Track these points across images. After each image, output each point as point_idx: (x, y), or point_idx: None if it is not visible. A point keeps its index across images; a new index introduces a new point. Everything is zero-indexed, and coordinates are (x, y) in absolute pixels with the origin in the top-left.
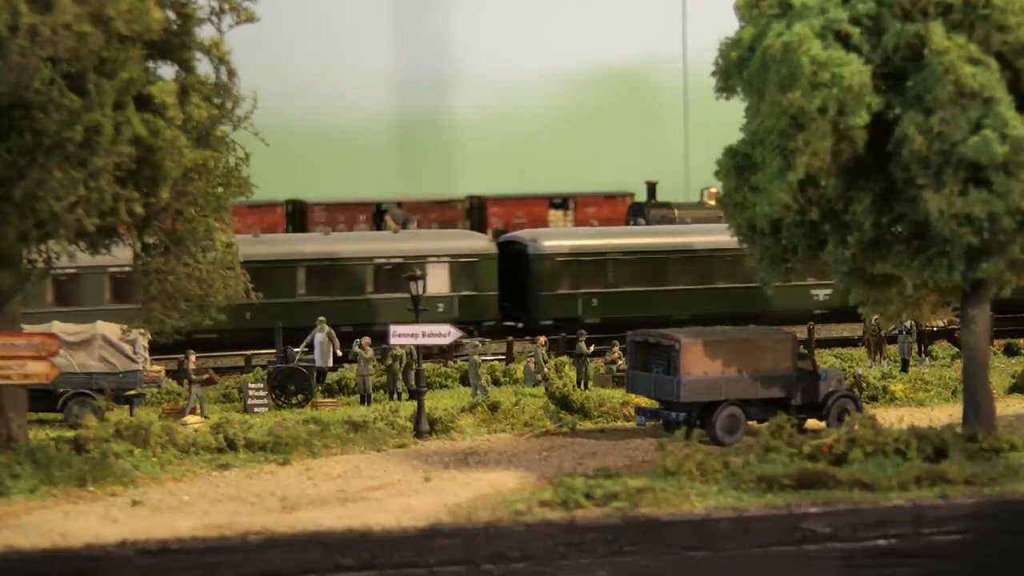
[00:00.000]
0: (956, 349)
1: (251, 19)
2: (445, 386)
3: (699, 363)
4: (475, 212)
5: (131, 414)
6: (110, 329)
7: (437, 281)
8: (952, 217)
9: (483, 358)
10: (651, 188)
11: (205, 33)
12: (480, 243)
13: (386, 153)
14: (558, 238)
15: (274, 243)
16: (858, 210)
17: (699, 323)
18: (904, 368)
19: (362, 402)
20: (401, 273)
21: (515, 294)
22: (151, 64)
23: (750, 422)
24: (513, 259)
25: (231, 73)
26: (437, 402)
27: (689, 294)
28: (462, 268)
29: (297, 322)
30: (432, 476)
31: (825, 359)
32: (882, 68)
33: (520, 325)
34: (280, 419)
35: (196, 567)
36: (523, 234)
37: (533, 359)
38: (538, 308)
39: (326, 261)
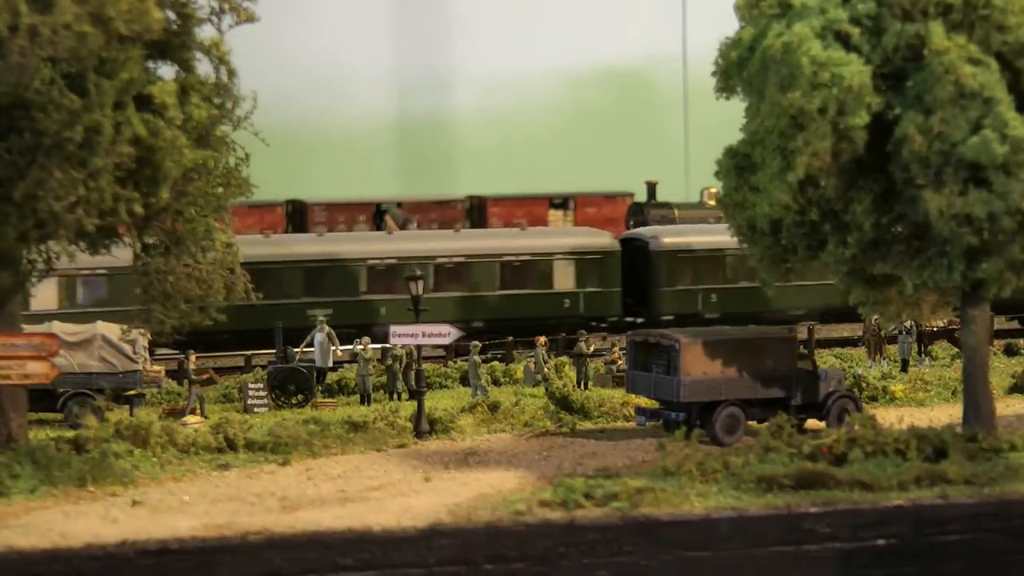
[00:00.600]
0: (956, 349)
1: (251, 19)
2: (445, 386)
3: (699, 363)
4: (475, 212)
5: (131, 414)
6: (110, 329)
7: (564, 278)
8: (952, 217)
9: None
10: (651, 188)
11: (205, 33)
12: (605, 240)
13: (386, 153)
14: (679, 235)
15: (407, 239)
16: (858, 210)
17: (813, 318)
18: (904, 368)
19: (362, 402)
20: (529, 270)
21: (636, 290)
22: (151, 64)
23: (750, 422)
24: (634, 255)
25: (231, 73)
26: (437, 402)
27: (805, 289)
28: (587, 265)
29: (428, 318)
30: (432, 476)
31: (825, 359)
32: (882, 68)
33: (640, 320)
34: (280, 419)
35: (196, 567)
36: (644, 231)
37: (533, 359)
38: (659, 303)
39: (457, 258)
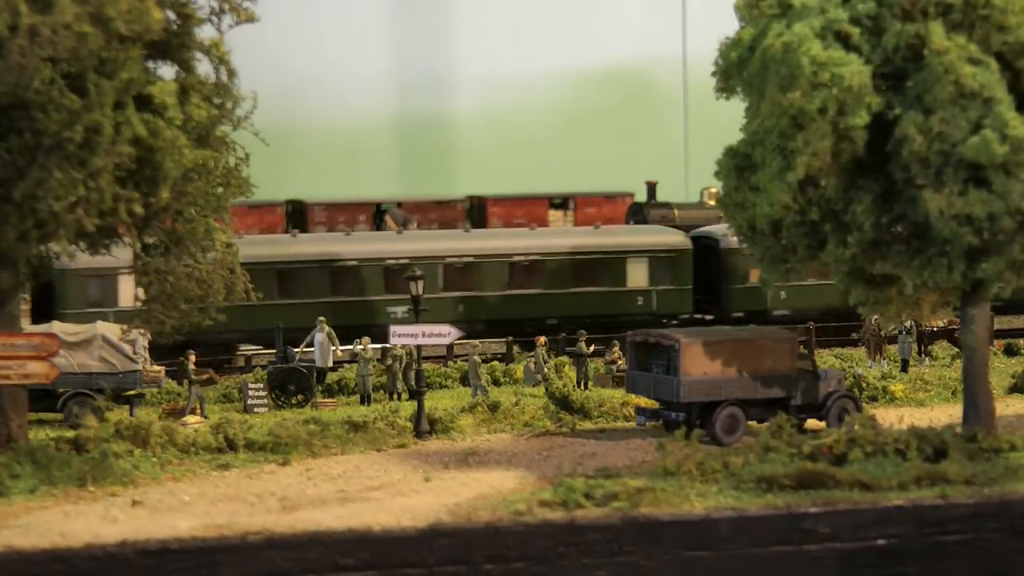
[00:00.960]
0: (956, 349)
1: (251, 19)
2: (445, 386)
3: (699, 363)
4: (475, 212)
5: (131, 414)
6: (110, 329)
7: (637, 276)
8: (952, 217)
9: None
10: (651, 188)
11: (205, 33)
12: (677, 239)
13: (386, 153)
14: None
15: (482, 237)
16: (858, 210)
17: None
18: (904, 368)
19: (362, 402)
20: (602, 268)
21: (706, 287)
22: (151, 64)
23: (750, 422)
24: (704, 253)
25: (231, 73)
26: (437, 402)
27: None
28: (660, 263)
29: (503, 315)
30: (432, 476)
31: (825, 359)
32: (882, 68)
33: (710, 317)
34: (280, 419)
35: (196, 567)
36: (715, 229)
37: (533, 359)
38: (729, 300)
39: (533, 256)
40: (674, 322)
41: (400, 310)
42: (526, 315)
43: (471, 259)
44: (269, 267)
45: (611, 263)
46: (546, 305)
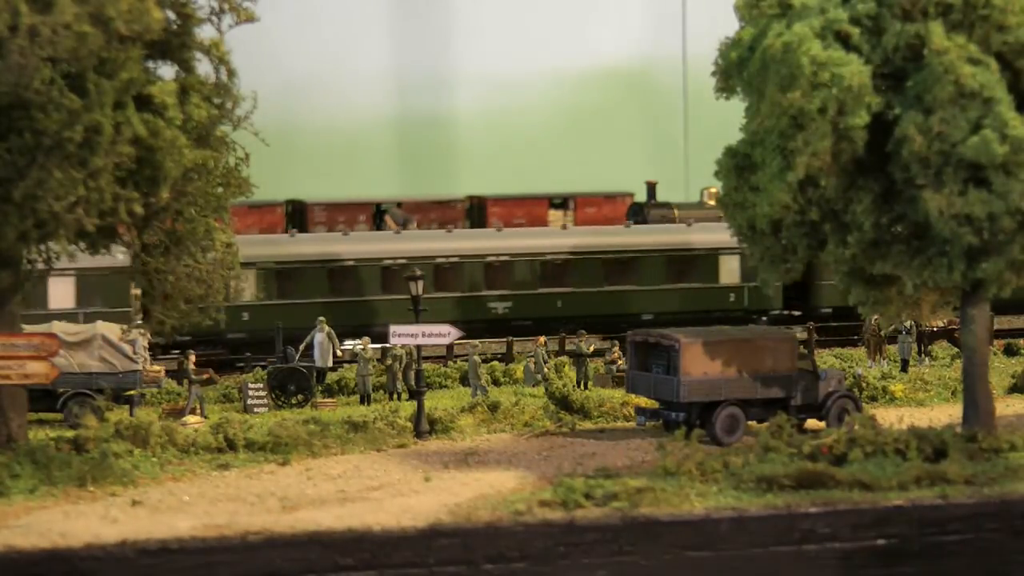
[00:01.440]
0: (956, 349)
1: (251, 19)
2: (445, 386)
3: (699, 363)
4: (475, 212)
5: (131, 414)
6: (110, 329)
7: (729, 272)
8: (952, 217)
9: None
10: (651, 188)
11: (205, 33)
12: None
13: (386, 153)
14: None
15: (578, 235)
16: (858, 210)
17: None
18: (904, 368)
19: (362, 402)
20: (695, 265)
21: (795, 283)
22: (151, 64)
23: (750, 422)
24: None
25: (231, 73)
26: (437, 402)
27: None
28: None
29: (600, 311)
30: (432, 476)
31: (825, 359)
32: (882, 68)
33: (798, 313)
34: (280, 419)
35: (196, 567)
36: None
37: (533, 359)
38: (817, 297)
39: (628, 253)
40: (764, 318)
41: (500, 306)
42: (621, 311)
43: (568, 256)
44: (376, 263)
45: (704, 260)
46: (640, 301)
